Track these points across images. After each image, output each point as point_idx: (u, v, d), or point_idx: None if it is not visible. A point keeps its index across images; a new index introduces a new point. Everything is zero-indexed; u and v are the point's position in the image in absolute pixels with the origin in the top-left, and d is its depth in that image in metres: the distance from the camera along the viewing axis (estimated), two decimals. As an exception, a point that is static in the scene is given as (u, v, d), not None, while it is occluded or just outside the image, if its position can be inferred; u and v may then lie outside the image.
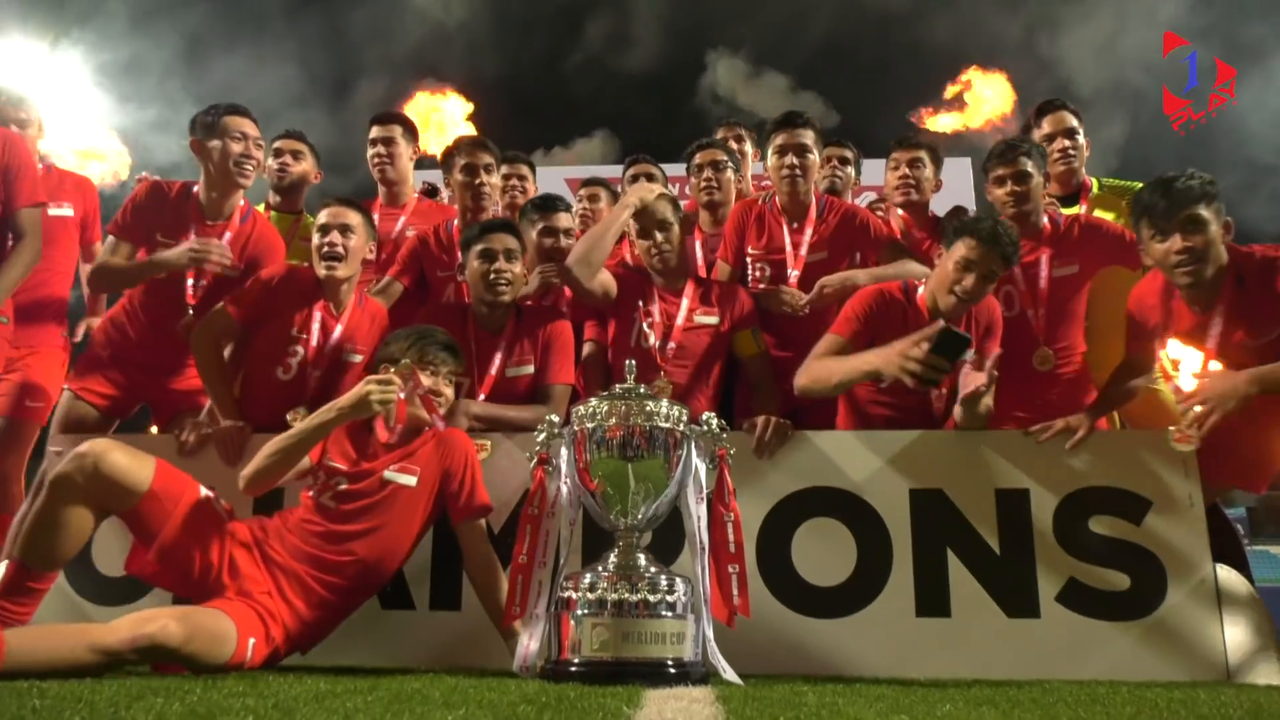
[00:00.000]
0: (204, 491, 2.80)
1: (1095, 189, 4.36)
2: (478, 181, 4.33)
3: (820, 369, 3.29)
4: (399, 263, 4.21)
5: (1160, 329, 3.29)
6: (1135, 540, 3.06)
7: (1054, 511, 3.12)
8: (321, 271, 3.61)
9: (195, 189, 3.93)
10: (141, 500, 2.64)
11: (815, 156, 4.10)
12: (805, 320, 3.87)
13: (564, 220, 4.11)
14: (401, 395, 2.84)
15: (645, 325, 3.74)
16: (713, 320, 3.79)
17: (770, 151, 4.12)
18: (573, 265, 3.63)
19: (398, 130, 4.75)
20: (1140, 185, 4.28)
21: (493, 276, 3.59)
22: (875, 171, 5.42)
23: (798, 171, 4.01)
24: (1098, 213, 4.21)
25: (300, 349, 3.63)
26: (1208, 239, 3.04)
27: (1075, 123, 4.34)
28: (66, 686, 1.93)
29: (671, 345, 3.72)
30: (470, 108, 7.41)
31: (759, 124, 4.56)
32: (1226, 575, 3.03)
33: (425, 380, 2.97)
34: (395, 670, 2.82)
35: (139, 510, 2.65)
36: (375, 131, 4.73)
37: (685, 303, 3.81)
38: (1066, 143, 4.31)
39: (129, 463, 2.63)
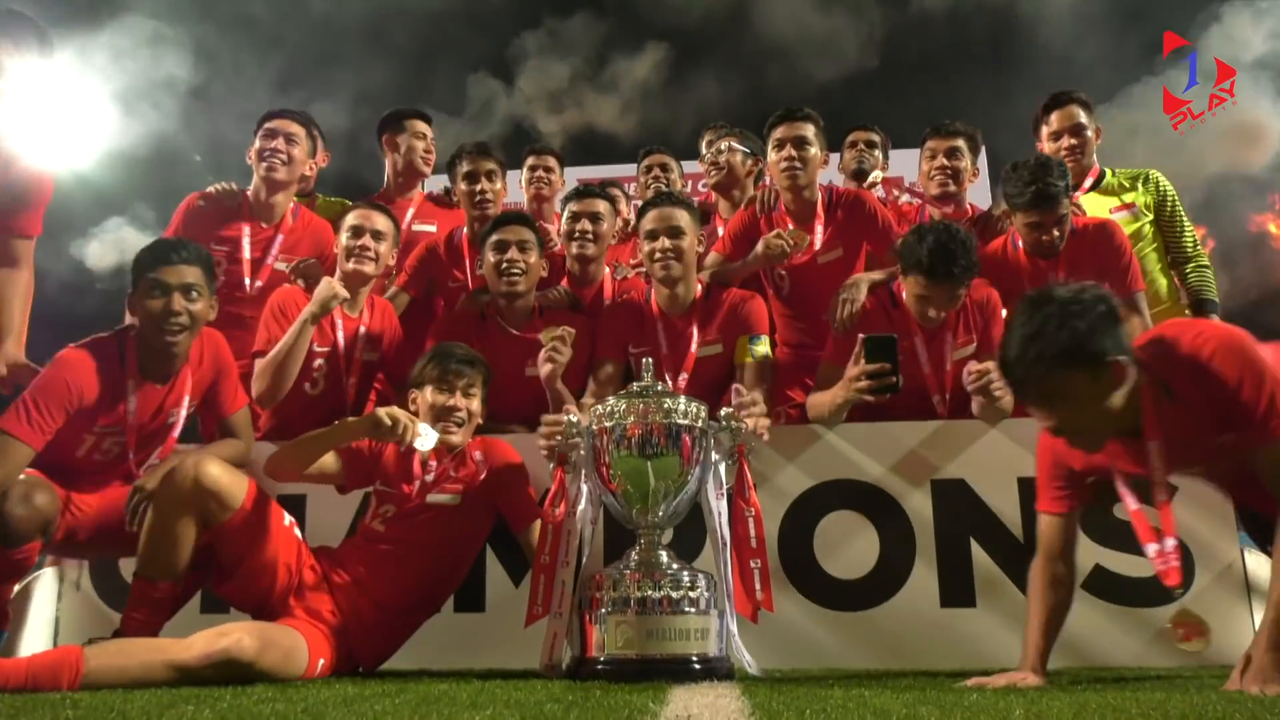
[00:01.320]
0: (287, 518, 2.86)
1: (1109, 177, 4.27)
2: (479, 188, 4.29)
3: (814, 409, 3.34)
4: (407, 272, 4.23)
5: None
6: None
7: (1078, 498, 3.09)
8: (349, 267, 3.65)
9: (248, 193, 4.05)
10: (233, 517, 2.67)
11: (816, 150, 3.91)
12: (818, 316, 3.79)
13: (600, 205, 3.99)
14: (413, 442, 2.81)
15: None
16: (717, 350, 3.58)
17: (769, 146, 3.98)
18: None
19: (420, 125, 4.78)
20: (1152, 171, 4.24)
21: (504, 266, 3.60)
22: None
23: (797, 165, 3.85)
24: (1103, 201, 4.16)
25: (322, 361, 3.66)
26: None
27: (1084, 117, 4.23)
28: (99, 696, 1.95)
29: (684, 376, 3.54)
30: None
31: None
32: (1256, 562, 3.00)
33: (443, 399, 2.98)
34: (421, 672, 2.84)
35: (229, 527, 2.68)
36: (419, 126, 4.75)
37: (695, 335, 3.59)
38: (1074, 141, 4.21)
39: (227, 478, 2.68)
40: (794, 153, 3.86)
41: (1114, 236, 3.66)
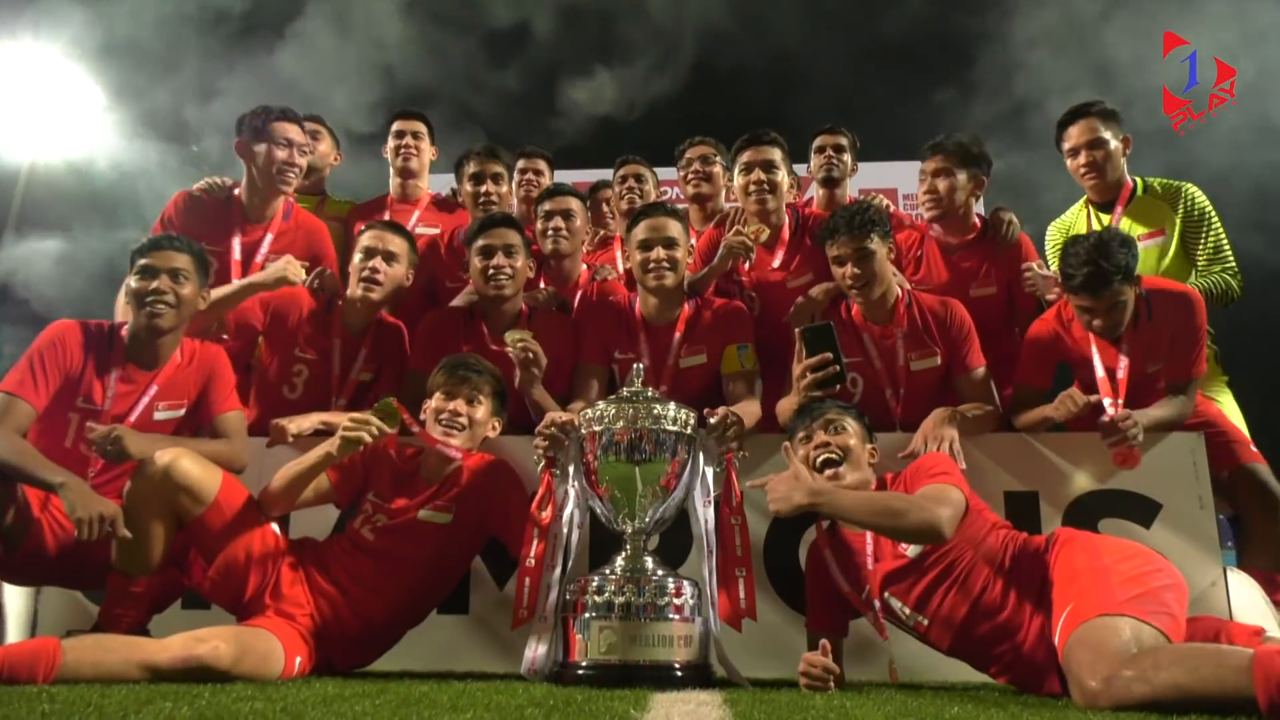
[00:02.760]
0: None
1: (1139, 190, 4.00)
2: (484, 190, 4.27)
3: (781, 414, 3.27)
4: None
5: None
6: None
7: (1063, 515, 3.10)
8: (358, 292, 3.56)
9: (237, 191, 3.94)
10: (206, 511, 2.66)
11: (784, 175, 3.93)
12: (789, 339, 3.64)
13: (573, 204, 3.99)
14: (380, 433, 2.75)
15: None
16: (700, 360, 3.54)
17: (737, 170, 3.97)
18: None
19: (421, 126, 4.79)
20: (1186, 185, 3.95)
21: (490, 272, 3.53)
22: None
23: (765, 188, 3.86)
24: (1133, 227, 3.87)
25: (304, 368, 3.58)
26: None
27: (1103, 131, 3.92)
28: (76, 690, 1.94)
29: (664, 388, 3.47)
30: None
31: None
32: (1236, 578, 3.01)
33: (447, 404, 2.95)
34: (403, 674, 2.83)
35: (203, 520, 2.67)
36: (399, 125, 4.77)
37: (676, 343, 3.55)
38: (1094, 155, 3.93)
39: (198, 471, 2.66)
40: (762, 177, 3.87)
41: (1194, 316, 3.31)
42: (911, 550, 2.54)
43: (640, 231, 3.52)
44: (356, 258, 3.61)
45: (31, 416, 2.85)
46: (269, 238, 3.91)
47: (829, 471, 2.66)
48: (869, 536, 2.63)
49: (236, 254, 3.85)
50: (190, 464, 2.65)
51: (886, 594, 2.57)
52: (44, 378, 2.89)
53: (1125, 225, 3.92)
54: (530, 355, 3.18)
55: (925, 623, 2.53)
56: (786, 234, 3.95)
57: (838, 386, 3.04)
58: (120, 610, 2.64)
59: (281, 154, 3.82)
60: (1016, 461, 3.18)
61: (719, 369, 3.55)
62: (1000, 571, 2.49)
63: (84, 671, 2.20)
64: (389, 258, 3.59)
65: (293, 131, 3.88)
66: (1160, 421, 3.20)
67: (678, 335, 3.55)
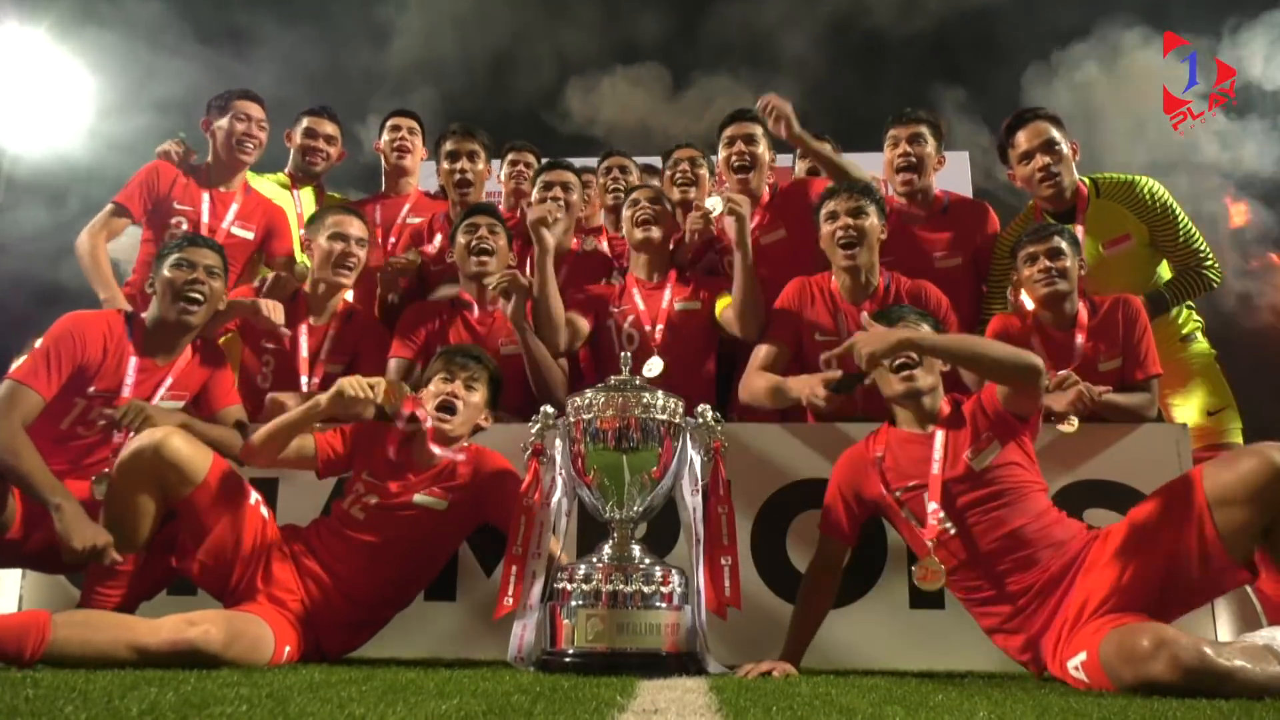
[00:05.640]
0: (254, 496, 2.83)
1: (1092, 194, 3.88)
2: (460, 167, 4.37)
3: (755, 388, 3.40)
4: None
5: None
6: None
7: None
8: (329, 274, 3.67)
9: (204, 165, 4.20)
10: (195, 491, 2.66)
11: (764, 150, 4.11)
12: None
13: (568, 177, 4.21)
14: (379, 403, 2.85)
15: (627, 324, 3.56)
16: (695, 305, 3.77)
17: (720, 144, 4.18)
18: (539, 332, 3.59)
19: (416, 124, 4.88)
20: (1141, 178, 3.87)
21: (474, 244, 3.68)
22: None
23: (746, 160, 4.06)
24: (1095, 237, 3.81)
25: (271, 359, 3.70)
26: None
27: (1055, 132, 3.83)
28: (60, 676, 1.93)
29: (660, 327, 3.72)
30: None
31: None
32: None
33: (444, 386, 2.95)
34: (390, 660, 2.83)
35: (192, 500, 2.67)
36: (395, 121, 4.86)
37: (669, 292, 3.81)
38: (1047, 159, 3.80)
39: (188, 450, 2.66)
40: (744, 149, 4.08)
41: (1139, 315, 3.41)
42: (977, 462, 2.60)
43: (634, 194, 3.88)
44: (323, 239, 3.69)
45: (40, 407, 2.87)
46: (235, 206, 4.18)
47: (904, 373, 2.72)
48: (940, 435, 2.68)
49: (205, 217, 4.11)
50: (181, 442, 2.65)
51: (925, 495, 2.63)
52: (56, 368, 2.90)
53: (1086, 240, 3.78)
54: (508, 282, 3.42)
55: (952, 530, 2.57)
56: (765, 199, 4.16)
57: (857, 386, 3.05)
58: (104, 589, 2.64)
59: (240, 127, 4.11)
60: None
61: (712, 318, 3.73)
62: (1044, 516, 2.57)
63: (72, 649, 2.20)
64: (359, 243, 3.71)
65: (251, 108, 4.16)
66: (1116, 405, 3.24)
67: (669, 286, 3.81)
